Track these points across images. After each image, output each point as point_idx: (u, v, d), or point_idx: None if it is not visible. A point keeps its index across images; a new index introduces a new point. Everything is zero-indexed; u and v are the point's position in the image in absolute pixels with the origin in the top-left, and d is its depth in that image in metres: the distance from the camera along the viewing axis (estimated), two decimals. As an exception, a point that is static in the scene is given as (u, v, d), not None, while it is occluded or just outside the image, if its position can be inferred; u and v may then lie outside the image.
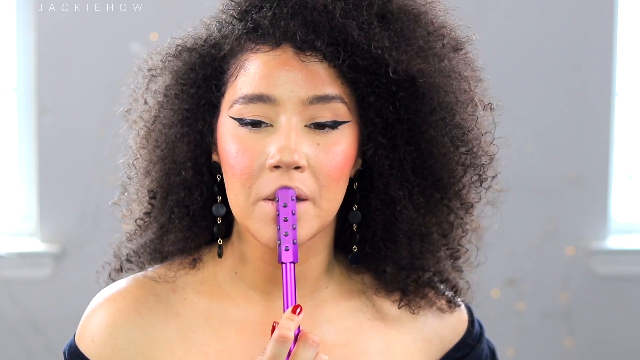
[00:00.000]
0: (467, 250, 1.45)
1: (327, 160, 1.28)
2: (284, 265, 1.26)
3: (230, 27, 1.34)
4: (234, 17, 1.33)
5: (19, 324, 3.23)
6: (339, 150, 1.29)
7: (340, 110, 1.29)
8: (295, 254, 1.26)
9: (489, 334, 1.52)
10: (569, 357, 3.40)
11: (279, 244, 1.26)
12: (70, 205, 3.21)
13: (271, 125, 1.28)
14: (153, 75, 1.39)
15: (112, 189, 3.10)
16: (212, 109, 1.35)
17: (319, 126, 1.28)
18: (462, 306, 1.47)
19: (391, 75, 1.27)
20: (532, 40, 3.26)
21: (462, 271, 1.47)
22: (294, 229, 1.26)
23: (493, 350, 1.51)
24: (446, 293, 1.44)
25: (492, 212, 1.47)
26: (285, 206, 1.26)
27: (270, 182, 1.27)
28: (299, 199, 1.27)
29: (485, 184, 1.39)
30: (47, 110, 3.18)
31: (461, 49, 1.34)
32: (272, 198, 1.27)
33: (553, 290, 3.38)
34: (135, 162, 1.42)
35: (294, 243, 1.26)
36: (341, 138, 1.29)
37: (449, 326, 1.44)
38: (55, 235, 3.23)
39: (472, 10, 3.15)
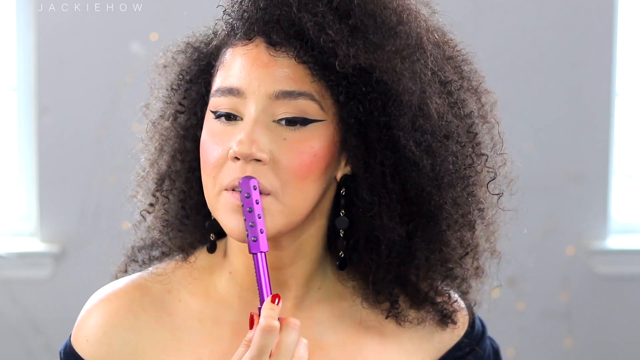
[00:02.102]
0: (468, 270, 1.42)
1: (292, 156, 1.27)
2: (254, 256, 1.26)
3: (219, 23, 1.36)
4: (223, 12, 1.35)
5: (19, 324, 3.23)
6: (307, 148, 1.28)
7: (309, 108, 1.28)
8: (264, 244, 1.26)
9: (490, 334, 1.51)
10: (568, 357, 3.40)
11: (247, 235, 1.26)
12: (70, 205, 3.21)
13: (242, 119, 1.29)
14: (170, 73, 1.41)
15: (112, 189, 3.11)
16: (204, 105, 1.36)
17: (289, 122, 1.28)
18: (463, 305, 1.47)
19: (338, 68, 1.26)
20: (532, 38, 3.26)
21: (467, 292, 1.45)
22: (259, 217, 1.26)
23: (497, 349, 1.50)
24: (443, 311, 1.42)
25: (496, 215, 1.45)
26: (248, 197, 1.25)
27: (230, 173, 1.27)
28: (260, 192, 1.27)
29: (476, 199, 1.36)
30: (47, 110, 3.18)
31: (424, 49, 1.31)
32: (232, 188, 1.27)
33: (553, 290, 3.38)
34: (145, 155, 1.43)
35: (261, 232, 1.26)
36: (312, 136, 1.28)
37: (449, 325, 1.44)
38: (55, 235, 3.23)
39: (471, 8, 3.16)
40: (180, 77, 1.40)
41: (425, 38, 1.32)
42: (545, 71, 3.28)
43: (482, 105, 1.38)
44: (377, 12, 1.30)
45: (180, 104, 1.39)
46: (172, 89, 1.40)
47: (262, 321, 1.22)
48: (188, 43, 1.41)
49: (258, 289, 1.26)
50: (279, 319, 1.23)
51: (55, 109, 3.18)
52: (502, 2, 3.24)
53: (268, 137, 1.27)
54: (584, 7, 3.27)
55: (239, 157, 1.26)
